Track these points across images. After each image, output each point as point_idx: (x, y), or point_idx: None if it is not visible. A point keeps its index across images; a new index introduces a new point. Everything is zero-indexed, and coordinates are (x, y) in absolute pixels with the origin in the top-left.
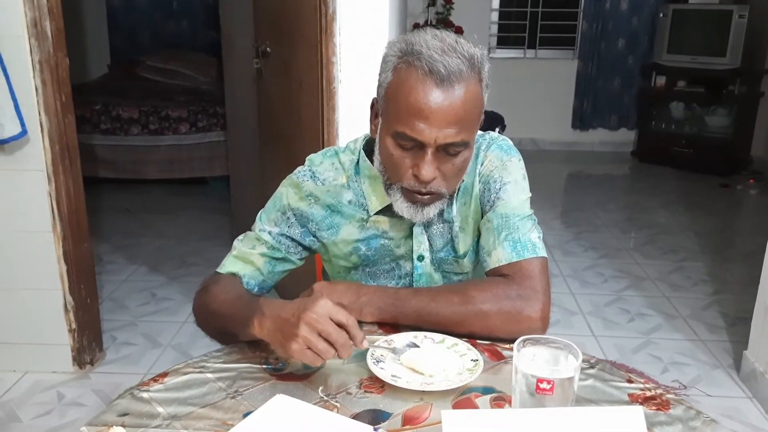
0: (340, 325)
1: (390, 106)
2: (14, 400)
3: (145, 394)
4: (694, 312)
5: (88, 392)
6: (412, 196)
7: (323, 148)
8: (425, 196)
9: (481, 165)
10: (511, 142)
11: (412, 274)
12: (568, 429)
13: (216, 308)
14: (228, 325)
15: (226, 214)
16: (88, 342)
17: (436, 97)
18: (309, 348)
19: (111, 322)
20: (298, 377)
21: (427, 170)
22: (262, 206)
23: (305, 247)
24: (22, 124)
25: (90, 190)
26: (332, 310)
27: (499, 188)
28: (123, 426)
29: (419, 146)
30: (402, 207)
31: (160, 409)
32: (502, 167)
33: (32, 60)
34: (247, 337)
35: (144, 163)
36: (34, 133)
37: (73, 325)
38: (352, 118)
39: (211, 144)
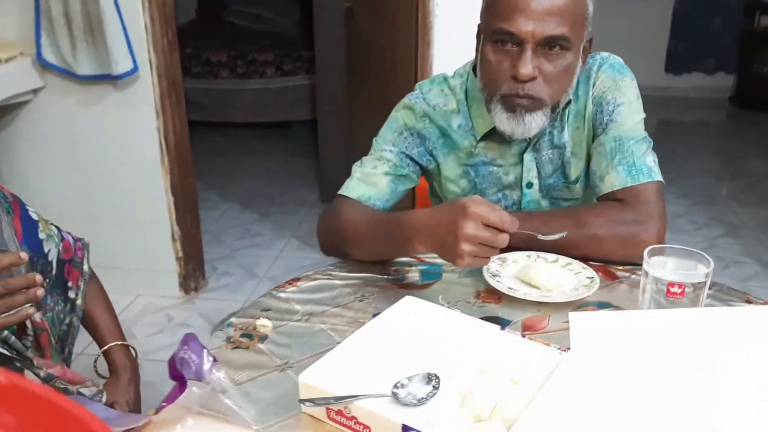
0: (494, 227)
1: (488, 11)
2: (129, 320)
3: (282, 294)
4: None
5: (194, 315)
6: (511, 102)
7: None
8: (524, 100)
9: (594, 86)
10: (622, 61)
11: (519, 203)
12: (698, 327)
13: (355, 231)
14: (374, 246)
15: (310, 157)
16: (193, 270)
17: None
18: (475, 257)
19: (210, 254)
20: (418, 287)
21: (526, 67)
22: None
23: (422, 167)
24: (134, 61)
25: None
26: (484, 216)
27: (613, 110)
28: (268, 319)
29: (518, 44)
30: (502, 119)
31: (297, 307)
32: (615, 88)
33: None
34: (402, 256)
35: (232, 106)
36: (144, 70)
37: (180, 254)
38: (447, 53)
39: (295, 87)
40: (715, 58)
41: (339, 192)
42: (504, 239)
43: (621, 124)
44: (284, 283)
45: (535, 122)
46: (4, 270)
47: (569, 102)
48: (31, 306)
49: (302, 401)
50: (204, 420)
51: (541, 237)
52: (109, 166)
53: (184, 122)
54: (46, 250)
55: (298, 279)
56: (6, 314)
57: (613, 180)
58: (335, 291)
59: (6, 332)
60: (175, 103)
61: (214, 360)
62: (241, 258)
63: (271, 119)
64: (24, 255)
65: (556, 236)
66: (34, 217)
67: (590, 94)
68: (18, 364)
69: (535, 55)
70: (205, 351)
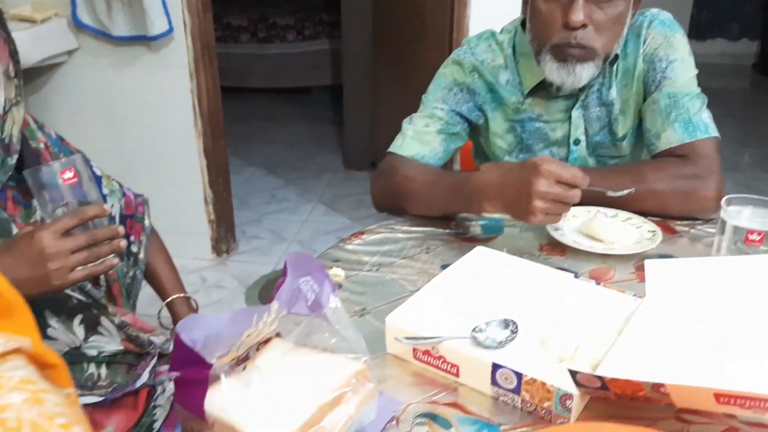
0: (566, 183)
1: None
2: None
3: (349, 247)
4: None
5: (227, 277)
6: (561, 52)
7: (451, 49)
8: (575, 50)
9: (645, 44)
10: (671, 17)
11: (566, 160)
12: None
13: (415, 188)
14: (436, 204)
15: (331, 122)
16: (224, 233)
17: None
18: (547, 214)
19: (239, 218)
20: (481, 240)
21: (577, 14)
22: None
23: (471, 123)
24: (169, 22)
25: None
26: (557, 173)
27: (666, 67)
28: (340, 269)
29: None
30: (552, 69)
31: (366, 258)
32: (667, 44)
33: None
34: (465, 213)
35: (252, 71)
36: (178, 31)
37: (212, 217)
38: (486, 11)
39: (316, 52)
40: (738, 24)
41: (390, 150)
42: (576, 195)
43: (674, 81)
44: (349, 236)
45: (585, 72)
46: (89, 221)
47: (617, 58)
48: (115, 256)
49: (398, 339)
50: (314, 350)
51: (611, 193)
52: (142, 128)
53: (216, 85)
54: (110, 205)
55: (362, 233)
56: (93, 264)
57: (670, 137)
58: (400, 244)
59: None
60: (208, 65)
61: (335, 288)
62: (269, 222)
63: (292, 84)
64: (107, 207)
65: (625, 192)
66: (98, 172)
67: (641, 51)
68: (95, 311)
69: (586, 2)
70: (327, 279)
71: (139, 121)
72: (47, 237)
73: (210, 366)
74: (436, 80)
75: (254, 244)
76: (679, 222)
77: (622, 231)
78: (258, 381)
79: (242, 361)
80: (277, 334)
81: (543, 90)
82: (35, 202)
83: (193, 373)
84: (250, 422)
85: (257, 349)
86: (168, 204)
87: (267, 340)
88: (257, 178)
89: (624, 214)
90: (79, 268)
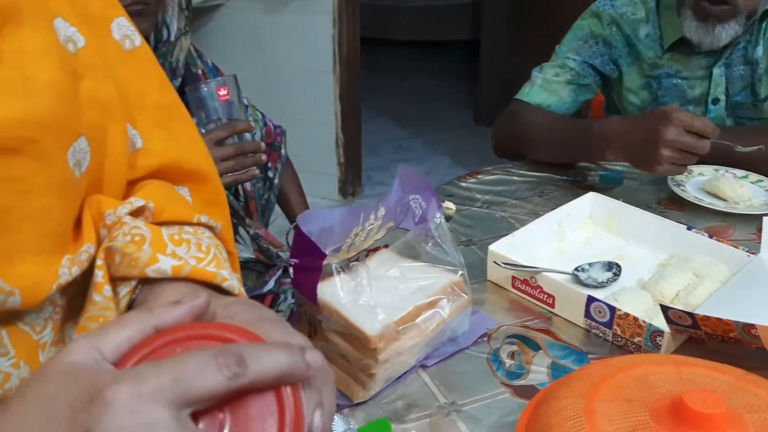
0: (696, 133)
1: None
2: None
3: (464, 184)
4: None
5: None
6: (703, 11)
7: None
8: (717, 8)
9: None
10: None
11: None
12: None
13: (538, 134)
14: (557, 150)
15: (464, 77)
16: (351, 176)
17: None
18: (673, 164)
19: (366, 164)
20: (598, 190)
21: None
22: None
23: (603, 77)
24: None
25: None
26: (687, 122)
27: None
28: (452, 203)
29: None
30: (691, 27)
31: (478, 196)
32: None
33: None
34: (586, 161)
35: (392, 23)
36: None
37: (341, 159)
38: None
39: (456, 6)
40: None
41: (517, 96)
42: (705, 145)
43: None
44: (464, 174)
45: (725, 32)
46: (238, 135)
47: (765, 14)
48: (257, 168)
49: (498, 264)
50: (416, 260)
51: (739, 148)
52: (284, 69)
53: (357, 33)
54: (253, 132)
55: (478, 172)
56: (239, 172)
57: None
58: (514, 186)
59: (225, 192)
60: (351, 13)
61: (440, 205)
62: (395, 170)
63: (430, 38)
64: (253, 124)
65: (754, 148)
66: (245, 102)
67: None
68: (234, 220)
69: None
70: (434, 197)
71: (282, 63)
72: None
73: (324, 256)
74: (572, 31)
75: (378, 189)
76: None
77: (748, 191)
78: (364, 279)
79: (352, 262)
80: (385, 246)
81: (683, 45)
82: (193, 120)
83: (309, 261)
84: (353, 310)
85: (366, 256)
86: (301, 143)
87: (376, 249)
88: (386, 128)
89: (754, 176)
90: (228, 174)
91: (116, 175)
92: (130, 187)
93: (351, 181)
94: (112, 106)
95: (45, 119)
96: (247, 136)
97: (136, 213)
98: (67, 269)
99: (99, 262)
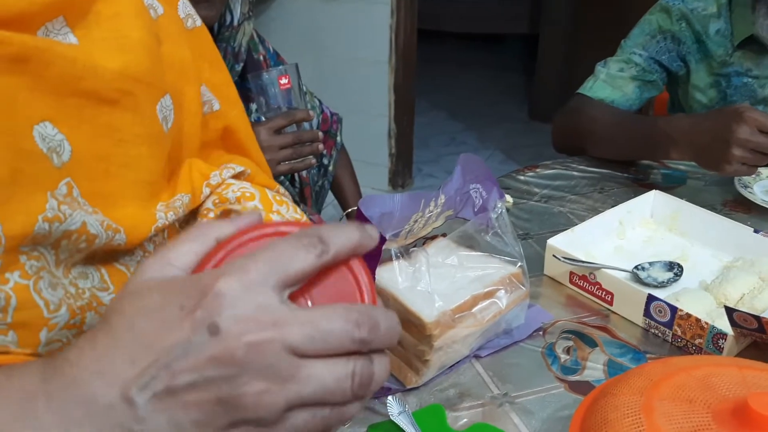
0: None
1: None
2: None
3: (521, 177)
4: None
5: None
6: None
7: None
8: None
9: None
10: None
11: None
12: None
13: (600, 129)
14: (620, 146)
15: (520, 72)
16: (402, 167)
17: None
18: (743, 164)
19: (418, 156)
20: (660, 188)
21: None
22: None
23: (670, 73)
24: None
25: None
26: (761, 122)
27: None
28: (510, 196)
29: None
30: (763, 25)
31: (536, 190)
32: None
33: None
34: (649, 159)
35: (449, 15)
36: None
37: (393, 150)
38: None
39: (513, 0)
40: None
41: (580, 91)
42: None
43: None
44: (522, 168)
45: None
46: (297, 123)
47: None
48: (314, 158)
49: (556, 257)
50: (475, 250)
51: None
52: (341, 58)
53: (414, 24)
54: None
55: (536, 166)
56: (296, 161)
57: None
58: (573, 181)
59: (281, 178)
60: (409, 3)
61: (502, 195)
62: (446, 163)
63: (485, 31)
64: (312, 113)
65: None
66: (304, 89)
67: None
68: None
69: None
70: (496, 186)
71: (339, 52)
72: (263, 132)
73: (384, 240)
74: (639, 25)
75: (428, 182)
76: None
77: None
78: (423, 265)
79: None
80: (443, 234)
81: (755, 43)
82: (253, 106)
83: None
84: (410, 296)
85: (424, 243)
86: (354, 132)
87: (433, 237)
88: (439, 121)
89: None
90: (285, 162)
91: (194, 136)
92: (205, 151)
93: (401, 173)
94: (187, 70)
95: (138, 74)
96: (306, 125)
97: (236, 177)
98: (163, 213)
99: (211, 215)
